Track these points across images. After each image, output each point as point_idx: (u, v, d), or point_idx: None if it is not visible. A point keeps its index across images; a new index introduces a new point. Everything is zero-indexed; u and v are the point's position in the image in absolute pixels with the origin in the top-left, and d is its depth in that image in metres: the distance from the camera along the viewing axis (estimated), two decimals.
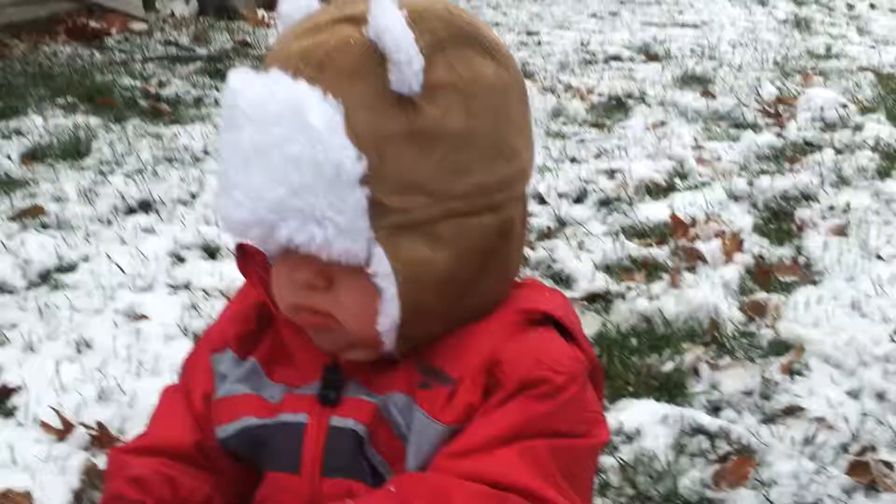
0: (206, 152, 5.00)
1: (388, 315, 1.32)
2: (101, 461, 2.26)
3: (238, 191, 1.30)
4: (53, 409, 2.47)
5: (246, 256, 1.51)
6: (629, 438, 2.58)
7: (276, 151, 1.25)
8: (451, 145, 1.31)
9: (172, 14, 9.09)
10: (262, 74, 1.30)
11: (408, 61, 1.27)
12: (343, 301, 1.35)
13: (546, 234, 4.18)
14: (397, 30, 1.27)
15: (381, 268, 1.29)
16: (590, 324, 3.34)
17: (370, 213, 1.27)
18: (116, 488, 1.46)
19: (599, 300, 3.55)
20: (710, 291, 3.45)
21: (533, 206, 4.49)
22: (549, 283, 3.69)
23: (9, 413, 2.52)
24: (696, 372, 2.97)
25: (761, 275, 3.68)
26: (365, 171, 1.25)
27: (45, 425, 2.41)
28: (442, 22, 1.34)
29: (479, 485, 1.26)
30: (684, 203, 4.45)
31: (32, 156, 4.84)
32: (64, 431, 2.38)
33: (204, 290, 3.30)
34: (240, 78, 1.32)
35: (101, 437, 2.36)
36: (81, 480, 2.19)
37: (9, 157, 4.77)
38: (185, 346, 2.84)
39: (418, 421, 1.36)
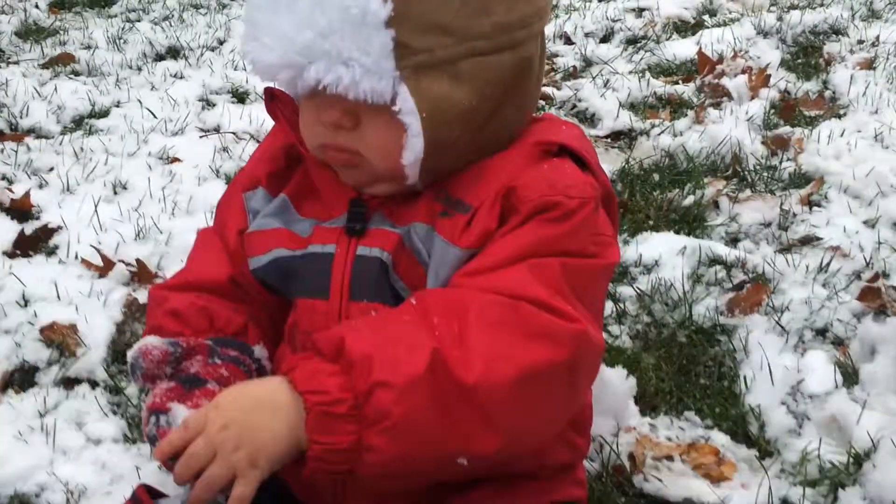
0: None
1: (413, 150, 1.39)
2: (142, 295, 2.37)
3: (267, 35, 1.36)
4: (94, 247, 2.57)
5: (274, 99, 1.58)
6: (647, 269, 2.65)
7: None
8: None
9: None
10: None
11: None
12: (369, 138, 1.42)
13: (571, 74, 4.18)
14: None
15: (406, 105, 1.35)
16: (613, 160, 3.39)
17: (395, 54, 1.32)
18: (156, 321, 1.57)
19: (623, 137, 3.59)
20: (733, 126, 3.47)
21: (559, 46, 4.49)
22: (573, 121, 3.73)
23: (51, 252, 2.63)
24: (716, 205, 3.02)
25: (786, 109, 3.68)
26: (390, 13, 1.30)
27: (86, 262, 2.52)
28: None
29: (492, 295, 1.34)
30: (712, 39, 4.43)
31: (60, 4, 4.86)
32: (104, 268, 2.48)
33: (234, 133, 3.36)
34: None
35: (140, 273, 2.46)
36: (123, 313, 2.30)
37: (36, 6, 4.80)
38: (217, 187, 2.93)
39: (438, 247, 1.44)
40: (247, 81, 3.82)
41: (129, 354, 1.44)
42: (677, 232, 2.85)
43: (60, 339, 2.20)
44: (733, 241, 2.84)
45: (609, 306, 2.48)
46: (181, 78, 3.94)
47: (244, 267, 1.58)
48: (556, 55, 4.39)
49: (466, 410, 1.28)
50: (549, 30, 4.64)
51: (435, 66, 1.36)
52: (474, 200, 1.45)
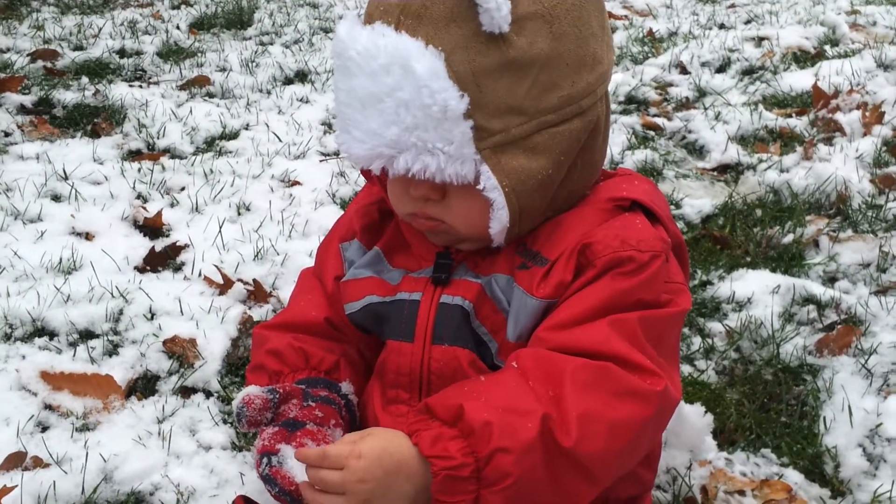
0: None
1: (499, 220, 1.53)
2: (256, 313, 2.56)
3: (357, 130, 1.51)
4: (216, 266, 2.77)
5: None
6: (739, 306, 2.71)
7: (388, 98, 1.45)
8: (541, 68, 1.49)
9: None
10: (367, 26, 1.48)
11: (497, 7, 1.43)
12: (455, 211, 1.56)
13: (683, 105, 4.25)
14: None
15: (489, 182, 1.49)
16: (717, 194, 3.45)
17: (474, 138, 1.46)
18: (258, 359, 1.76)
19: (730, 171, 3.64)
20: (842, 164, 3.49)
21: (674, 76, 4.55)
22: (681, 153, 3.80)
23: (178, 268, 2.84)
24: (815, 244, 3.05)
25: None
26: (467, 106, 1.44)
27: (208, 280, 2.72)
28: None
29: (582, 359, 1.46)
30: (830, 71, 4.42)
31: (199, 25, 5.14)
32: (224, 286, 2.68)
33: None
34: (347, 29, 1.51)
35: (257, 292, 2.65)
36: (238, 329, 2.49)
37: (178, 28, 5.09)
38: (331, 212, 3.11)
39: (517, 297, 1.58)
40: None
41: (235, 404, 1.61)
42: (773, 270, 2.90)
43: (181, 352, 2.39)
44: (830, 280, 2.87)
45: (697, 341, 2.56)
46: (306, 102, 4.15)
47: (339, 309, 1.74)
48: (671, 84, 4.45)
49: (569, 469, 1.42)
50: (666, 59, 4.71)
51: (511, 144, 1.49)
52: (551, 254, 1.58)
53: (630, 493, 1.71)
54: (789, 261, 2.97)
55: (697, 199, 3.38)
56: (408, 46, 1.44)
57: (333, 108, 1.61)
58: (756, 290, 2.76)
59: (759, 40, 4.94)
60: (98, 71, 4.48)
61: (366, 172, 1.70)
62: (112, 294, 2.63)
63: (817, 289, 2.76)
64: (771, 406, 2.33)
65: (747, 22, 5.29)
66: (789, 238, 3.06)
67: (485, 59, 1.45)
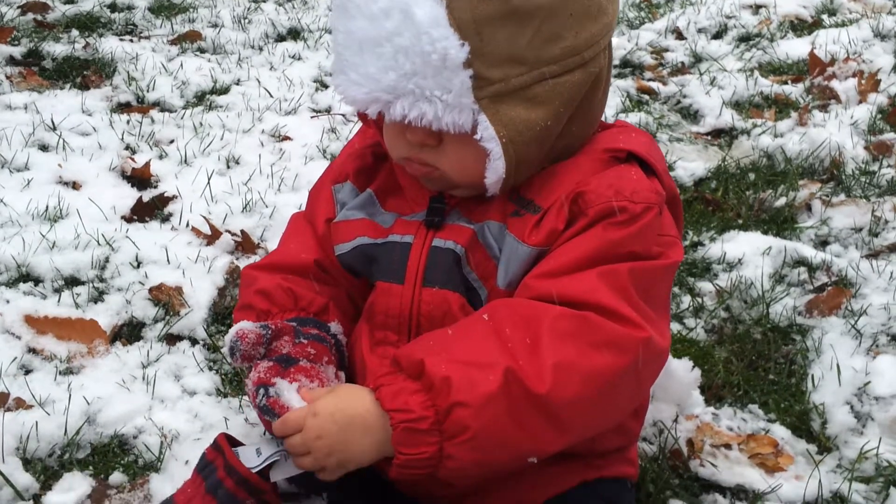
0: None
1: (496, 171, 1.50)
2: (244, 264, 2.53)
3: (354, 73, 1.48)
4: (204, 217, 2.74)
5: None
6: (730, 267, 2.70)
7: (386, 43, 1.42)
8: (544, 17, 1.46)
9: None
10: None
11: None
12: (450, 158, 1.54)
13: (679, 70, 4.22)
14: None
15: (487, 132, 1.47)
16: (710, 158, 3.43)
17: (473, 87, 1.44)
18: (247, 299, 1.74)
19: (724, 136, 3.62)
20: (836, 130, 3.47)
21: (669, 41, 4.52)
22: (675, 117, 3.78)
23: (165, 219, 2.81)
24: (808, 208, 3.04)
25: (893, 115, 3.66)
26: (467, 54, 1.41)
27: (195, 231, 2.70)
28: None
29: (561, 307, 1.45)
30: (827, 40, 4.40)
31: None
32: (212, 237, 2.65)
33: (343, 115, 3.51)
34: None
35: (244, 243, 2.63)
36: (225, 279, 2.47)
37: None
38: (322, 167, 3.07)
39: (508, 244, 1.56)
40: None
41: (227, 338, 1.61)
42: (765, 232, 2.88)
43: (167, 299, 2.37)
44: (822, 244, 2.86)
45: (686, 300, 2.55)
46: (299, 59, 4.11)
47: (330, 251, 1.72)
48: (666, 49, 4.42)
49: (538, 418, 1.41)
50: (662, 24, 4.68)
51: (511, 94, 1.46)
52: (544, 202, 1.56)
53: (616, 444, 1.70)
54: (781, 224, 2.96)
55: (691, 163, 3.36)
56: None
57: (332, 48, 1.58)
58: (747, 252, 2.74)
59: (756, 8, 4.91)
60: (89, 25, 4.43)
61: (362, 115, 1.68)
62: (98, 242, 2.60)
63: (808, 251, 2.76)
64: (759, 364, 2.33)
65: None
66: (782, 201, 3.05)
67: (487, 6, 1.42)
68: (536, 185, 1.57)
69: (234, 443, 1.54)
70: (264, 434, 1.63)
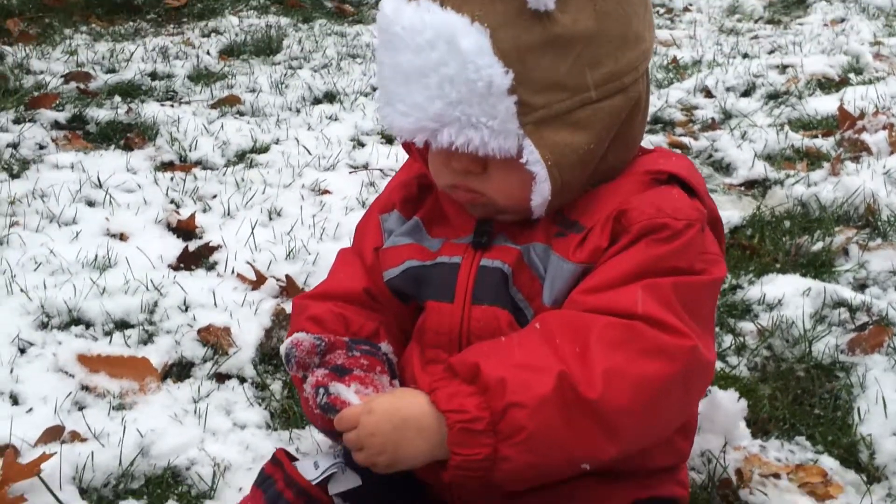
0: None
1: (541, 193, 1.55)
2: (289, 306, 2.57)
3: (401, 104, 1.54)
4: (249, 263, 2.80)
5: None
6: (770, 308, 2.71)
7: (432, 73, 1.48)
8: (584, 45, 1.51)
9: None
10: (412, 2, 1.51)
11: None
12: (496, 184, 1.59)
13: (710, 126, 4.27)
14: None
15: (532, 156, 1.52)
16: (745, 207, 3.46)
17: (518, 113, 1.49)
18: (298, 325, 1.77)
19: (757, 187, 3.65)
20: (870, 179, 3.50)
21: (699, 99, 4.58)
22: (708, 170, 3.82)
23: (210, 267, 2.87)
24: (845, 252, 3.06)
25: None
26: (512, 81, 1.47)
27: (241, 277, 2.75)
28: None
29: (610, 317, 1.48)
30: (856, 97, 4.45)
31: (229, 52, 5.22)
32: (257, 282, 2.70)
33: (381, 170, 3.58)
34: (392, 4, 1.54)
35: (289, 287, 2.67)
36: (271, 320, 2.51)
37: (208, 53, 5.17)
38: None
39: (553, 262, 1.60)
40: None
41: (283, 346, 1.64)
42: (804, 275, 2.90)
43: (215, 340, 2.41)
44: (860, 287, 2.87)
45: (728, 339, 2.56)
46: (335, 120, 4.20)
47: (378, 280, 1.76)
48: (696, 108, 4.48)
49: (590, 423, 1.43)
50: (691, 83, 4.75)
51: (554, 119, 1.52)
52: (588, 222, 1.60)
53: (666, 463, 1.71)
54: (819, 267, 2.97)
55: (725, 211, 3.39)
56: (453, 22, 1.46)
57: (376, 83, 1.64)
58: (787, 293, 2.76)
59: (783, 68, 4.98)
60: (130, 92, 4.54)
61: (406, 146, 1.73)
62: (147, 287, 2.65)
63: (848, 293, 2.77)
64: (804, 399, 2.33)
65: (771, 52, 5.33)
66: (819, 246, 3.07)
67: (529, 35, 1.47)
68: (580, 206, 1.62)
69: (292, 458, 1.57)
70: (320, 451, 1.66)
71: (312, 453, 1.87)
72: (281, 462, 1.53)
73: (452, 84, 1.47)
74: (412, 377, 1.67)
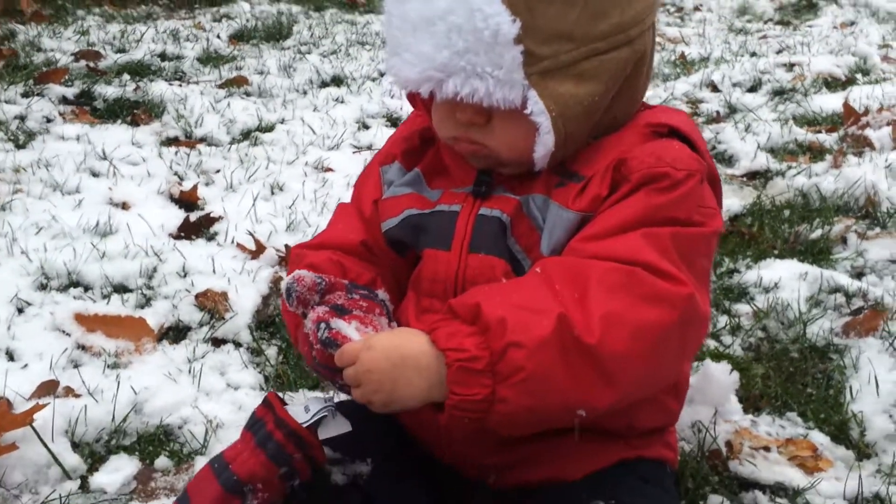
0: None
1: (544, 145, 1.55)
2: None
3: (408, 53, 1.54)
4: (249, 233, 2.81)
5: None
6: (766, 290, 2.72)
7: (440, 21, 1.48)
8: None
9: None
10: None
11: None
12: (499, 135, 1.59)
13: (714, 119, 4.28)
14: None
15: (536, 107, 1.52)
16: (746, 196, 3.47)
17: (524, 63, 1.49)
18: (296, 271, 1.77)
19: (759, 177, 3.66)
20: (871, 171, 3.50)
21: (704, 93, 4.59)
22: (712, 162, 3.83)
23: (211, 237, 2.88)
24: (843, 241, 3.06)
25: None
26: (518, 30, 1.47)
27: (240, 246, 2.76)
28: None
29: (610, 262, 1.48)
30: (861, 95, 4.45)
31: (239, 37, 5.24)
32: (256, 251, 2.72)
33: None
34: None
35: (288, 257, 2.69)
36: (269, 287, 2.53)
37: (218, 37, 5.19)
38: None
39: (552, 211, 1.60)
40: (401, 109, 4.06)
41: (284, 282, 1.64)
42: (801, 261, 2.90)
43: (212, 305, 2.42)
44: (858, 275, 2.88)
45: (723, 320, 2.57)
46: (342, 102, 4.22)
47: (376, 233, 1.76)
48: (701, 101, 4.49)
49: (588, 368, 1.42)
50: (697, 78, 4.76)
51: (559, 70, 1.52)
52: (588, 171, 1.60)
53: (655, 424, 1.72)
54: (817, 254, 2.98)
55: (726, 199, 3.40)
56: None
57: (384, 33, 1.64)
58: (783, 277, 2.76)
59: (790, 66, 4.98)
60: (139, 71, 4.56)
61: (411, 98, 1.74)
62: (146, 253, 2.67)
63: (844, 280, 2.77)
64: (797, 378, 2.34)
65: (779, 51, 5.34)
66: (817, 233, 3.07)
67: None
68: (580, 158, 1.62)
69: (283, 402, 1.58)
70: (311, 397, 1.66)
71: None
72: (272, 405, 1.53)
73: (459, 33, 1.47)
74: (407, 325, 1.68)
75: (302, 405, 1.54)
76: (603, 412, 1.49)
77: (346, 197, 3.06)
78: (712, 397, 2.13)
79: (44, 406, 1.93)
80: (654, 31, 1.69)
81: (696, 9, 6.26)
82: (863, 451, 2.07)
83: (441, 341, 1.44)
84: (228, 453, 1.52)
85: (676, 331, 1.49)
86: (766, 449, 2.04)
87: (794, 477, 1.95)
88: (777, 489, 1.94)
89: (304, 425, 1.50)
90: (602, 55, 1.54)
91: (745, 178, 3.67)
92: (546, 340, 1.41)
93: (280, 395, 1.59)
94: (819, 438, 2.09)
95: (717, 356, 2.38)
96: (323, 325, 1.52)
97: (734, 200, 3.39)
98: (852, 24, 5.93)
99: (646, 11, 1.60)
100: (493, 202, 1.64)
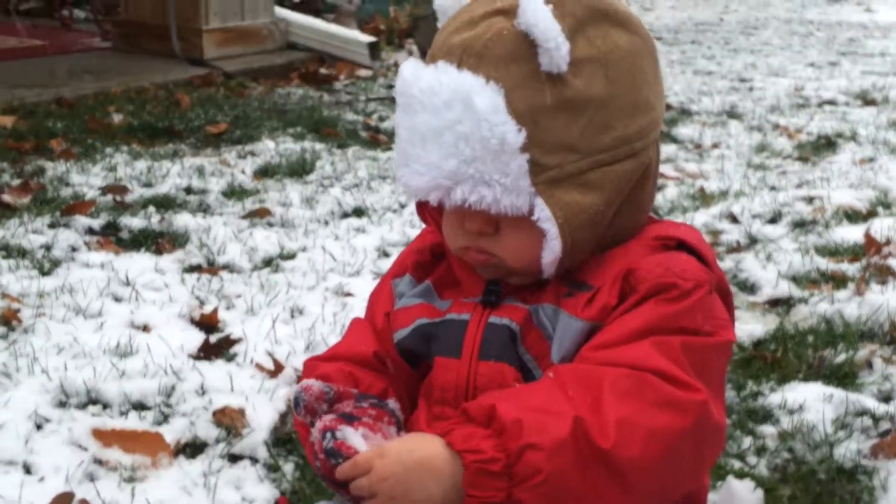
0: None
1: (551, 252, 1.57)
2: None
3: (417, 163, 1.57)
4: (268, 353, 2.82)
5: (424, 203, 1.80)
6: (791, 412, 2.68)
7: (448, 132, 1.52)
8: (595, 109, 1.56)
9: (396, 63, 9.67)
10: (430, 66, 1.56)
11: (556, 47, 1.51)
12: (507, 244, 1.61)
13: (735, 249, 4.29)
14: (545, 22, 1.51)
15: (543, 214, 1.54)
16: (769, 323, 3.45)
17: (530, 172, 1.52)
18: (304, 380, 1.77)
19: (781, 304, 3.65)
20: (895, 298, 3.49)
21: (724, 225, 4.62)
22: (733, 289, 3.81)
23: (230, 358, 2.88)
24: (869, 365, 3.03)
25: None
26: (524, 140, 1.51)
27: (259, 366, 2.76)
28: (580, 5, 1.58)
29: (622, 368, 1.47)
30: (882, 226, 4.46)
31: (264, 172, 5.34)
32: (275, 372, 2.71)
33: None
34: (411, 69, 1.59)
35: None
36: (287, 405, 2.51)
37: (243, 172, 5.29)
38: None
39: (562, 321, 1.60)
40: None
41: (293, 392, 1.64)
42: (826, 384, 2.87)
43: (229, 422, 2.41)
44: (885, 399, 2.84)
45: (748, 441, 2.53)
46: (363, 232, 4.26)
47: (388, 345, 1.76)
48: (721, 232, 4.51)
49: (603, 472, 1.40)
50: (717, 210, 4.79)
51: (566, 179, 1.54)
52: (596, 281, 1.61)
53: None
54: (842, 378, 2.94)
55: (748, 325, 3.39)
56: (469, 82, 1.51)
57: (394, 147, 1.68)
58: (808, 399, 2.73)
59: (810, 199, 5.02)
60: (165, 204, 4.64)
61: (421, 213, 1.76)
62: (165, 372, 2.67)
63: (871, 403, 2.74)
64: (824, 499, 2.28)
65: (798, 185, 5.38)
66: (842, 358, 3.04)
67: (542, 97, 1.52)
68: (588, 268, 1.63)
69: None
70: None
71: None
72: None
73: (467, 141, 1.50)
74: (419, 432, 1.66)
75: None
76: None
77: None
78: None
79: None
80: (658, 148, 1.72)
81: (715, 146, 6.34)
82: None
83: (457, 443, 1.42)
84: None
85: (690, 437, 1.47)
86: None
87: None
88: None
89: None
90: (606, 167, 1.57)
91: (767, 306, 3.66)
92: (563, 442, 1.39)
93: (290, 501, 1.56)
94: None
95: (742, 475, 2.34)
96: (329, 435, 1.51)
97: (756, 326, 3.38)
98: (871, 160, 5.99)
99: (650, 126, 1.64)
100: (502, 311, 1.65)
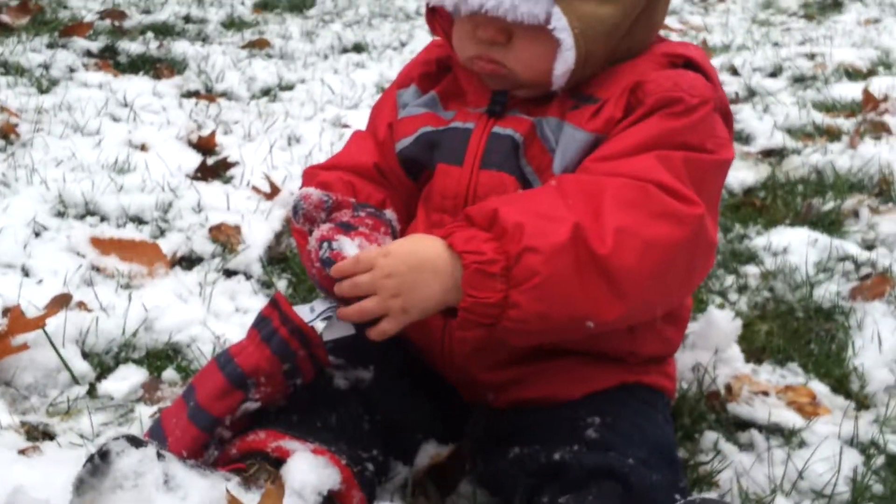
0: (418, 13, 5.31)
1: (565, 62, 1.58)
2: None
3: None
4: (265, 175, 2.85)
5: (434, 13, 1.79)
6: (775, 254, 2.73)
7: None
8: None
9: None
10: None
11: None
12: (519, 53, 1.61)
13: (733, 100, 4.29)
14: None
15: (560, 23, 1.55)
16: (760, 171, 3.48)
17: None
18: (303, 188, 1.79)
19: (774, 155, 3.67)
20: (887, 152, 3.51)
21: (724, 76, 4.60)
22: None
23: (227, 180, 2.92)
24: (855, 214, 3.07)
25: None
26: None
27: (255, 189, 2.80)
28: None
29: (624, 178, 1.50)
30: (881, 85, 4.44)
31: (263, 6, 5.29)
32: (271, 194, 2.75)
33: None
34: None
35: None
36: (282, 225, 2.56)
37: (242, 3, 5.24)
38: None
39: (566, 132, 1.62)
40: None
41: (292, 199, 1.67)
42: (812, 229, 2.91)
43: (225, 238, 2.46)
44: (868, 247, 2.88)
45: (731, 279, 2.59)
46: (362, 67, 4.25)
47: (389, 156, 1.79)
48: (721, 83, 4.49)
49: (599, 278, 1.45)
50: (717, 62, 4.77)
51: None
52: (603, 94, 1.63)
53: (655, 352, 1.74)
54: (828, 225, 2.99)
55: (740, 173, 3.41)
56: None
57: None
58: (793, 242, 2.77)
59: (811, 55, 4.98)
60: (163, 31, 4.61)
61: (430, 22, 1.76)
62: (163, 189, 2.71)
63: (854, 249, 2.78)
64: (802, 335, 2.35)
65: (801, 42, 5.34)
66: (829, 206, 3.08)
67: None
68: (596, 82, 1.64)
69: (290, 303, 1.60)
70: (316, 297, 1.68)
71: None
72: (278, 304, 1.55)
73: None
74: None
75: (308, 305, 1.56)
76: (610, 325, 1.51)
77: None
78: (714, 342, 2.14)
79: (56, 312, 1.96)
80: None
81: (721, 0, 6.27)
82: (861, 402, 2.08)
83: (458, 245, 1.46)
84: (234, 348, 1.54)
85: (685, 249, 1.51)
86: (765, 393, 2.05)
87: (791, 419, 1.96)
88: (773, 429, 1.95)
89: (309, 323, 1.52)
90: None
91: (760, 155, 3.68)
92: (561, 247, 1.43)
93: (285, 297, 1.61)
94: (819, 388, 2.10)
95: (723, 308, 2.40)
96: (325, 245, 1.55)
97: (748, 174, 3.40)
98: (877, 20, 5.93)
99: None
100: (506, 122, 1.67)
